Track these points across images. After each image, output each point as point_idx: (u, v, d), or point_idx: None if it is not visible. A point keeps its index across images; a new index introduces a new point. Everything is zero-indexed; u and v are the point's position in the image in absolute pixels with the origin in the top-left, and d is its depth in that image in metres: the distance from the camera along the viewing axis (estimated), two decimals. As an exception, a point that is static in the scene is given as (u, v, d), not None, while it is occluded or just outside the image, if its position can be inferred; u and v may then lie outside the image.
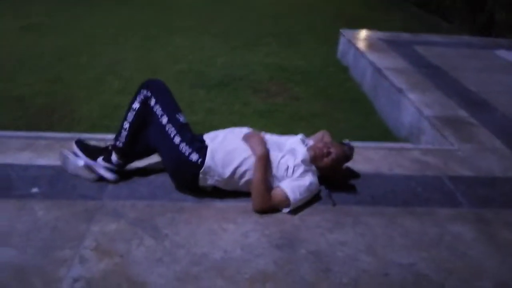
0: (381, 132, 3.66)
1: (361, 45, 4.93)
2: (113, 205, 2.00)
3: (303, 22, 7.30)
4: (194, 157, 2.00)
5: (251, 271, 1.68)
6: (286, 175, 2.01)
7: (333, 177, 2.20)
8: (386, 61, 4.36)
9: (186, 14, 7.52)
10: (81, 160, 2.13)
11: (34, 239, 1.76)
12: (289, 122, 3.75)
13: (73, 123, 3.53)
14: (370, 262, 1.77)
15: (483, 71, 4.35)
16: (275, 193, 1.98)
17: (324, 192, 2.15)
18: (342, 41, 5.44)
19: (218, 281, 1.62)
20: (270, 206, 1.98)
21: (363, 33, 5.44)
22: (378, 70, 4.14)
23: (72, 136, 2.56)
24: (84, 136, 2.55)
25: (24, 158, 2.31)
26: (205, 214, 1.98)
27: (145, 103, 2.06)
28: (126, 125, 2.08)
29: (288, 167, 2.01)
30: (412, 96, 3.50)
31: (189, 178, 2.04)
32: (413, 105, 3.38)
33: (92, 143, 2.28)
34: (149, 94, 2.05)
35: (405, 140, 3.38)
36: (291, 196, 1.96)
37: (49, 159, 2.30)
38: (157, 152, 2.12)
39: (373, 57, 4.47)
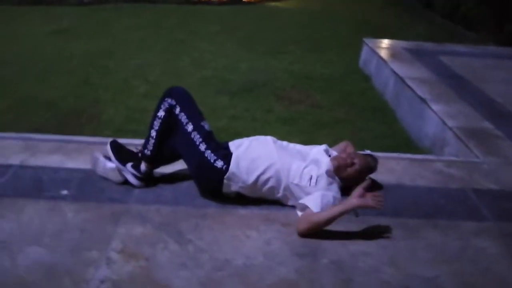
0: (404, 141, 3.64)
1: (384, 54, 4.91)
2: (139, 209, 2.05)
3: (326, 30, 7.31)
4: (219, 163, 2.04)
5: (273, 278, 1.71)
6: (309, 184, 2.02)
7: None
8: (410, 71, 4.33)
9: (211, 20, 7.62)
10: (112, 163, 2.19)
11: (64, 240, 1.82)
12: (312, 129, 3.77)
13: (101, 126, 3.62)
14: (392, 274, 1.77)
15: (510, 82, 4.28)
16: (309, 216, 1.95)
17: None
18: (365, 49, 5.43)
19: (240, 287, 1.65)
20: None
21: (386, 42, 5.42)
22: (401, 79, 4.12)
23: (100, 140, 2.64)
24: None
25: (54, 160, 2.39)
26: (228, 220, 2.02)
27: (170, 111, 2.10)
28: (153, 133, 2.13)
29: (311, 176, 2.03)
30: (436, 106, 3.47)
31: (213, 184, 2.09)
32: (437, 115, 3.35)
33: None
34: (173, 102, 2.10)
35: (428, 150, 3.36)
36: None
37: (79, 162, 2.38)
38: (183, 158, 2.17)
39: (396, 66, 4.45)
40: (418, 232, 2.03)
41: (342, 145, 2.41)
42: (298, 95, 4.50)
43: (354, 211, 2.08)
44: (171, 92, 2.14)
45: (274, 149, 2.10)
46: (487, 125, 3.23)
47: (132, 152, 2.25)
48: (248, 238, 1.91)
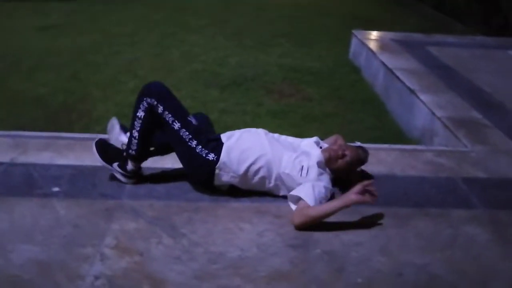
0: (394, 133, 3.67)
1: (374, 46, 4.93)
2: (131, 204, 2.05)
3: (316, 23, 7.31)
4: (211, 156, 2.05)
5: (267, 269, 1.72)
6: (301, 175, 2.04)
7: (347, 180, 2.23)
8: (399, 62, 4.36)
9: (200, 13, 7.58)
10: (125, 137, 2.21)
11: (57, 236, 1.82)
12: (302, 123, 3.79)
13: (91, 122, 3.60)
14: (384, 263, 1.80)
15: (497, 72, 4.32)
16: (305, 209, 1.96)
17: (337, 195, 2.18)
18: (354, 42, 5.45)
19: (235, 279, 1.66)
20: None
21: (376, 34, 5.44)
22: (390, 71, 4.15)
23: (91, 137, 2.62)
24: (101, 137, 2.62)
25: (45, 157, 2.38)
26: (221, 213, 2.03)
27: (150, 110, 2.04)
28: (135, 133, 2.09)
29: (302, 167, 2.05)
30: (424, 97, 3.51)
31: (205, 176, 2.09)
32: (425, 106, 3.38)
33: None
34: (154, 102, 2.02)
35: (418, 141, 3.39)
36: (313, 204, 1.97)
37: (69, 159, 2.37)
38: (175, 152, 2.17)
39: (385, 58, 4.47)
40: (409, 221, 2.06)
41: (332, 138, 2.43)
42: (288, 89, 4.51)
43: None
44: (149, 91, 2.05)
45: (266, 140, 2.12)
46: (476, 114, 3.27)
47: (118, 150, 2.23)
48: (241, 231, 1.92)
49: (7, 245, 1.76)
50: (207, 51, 5.56)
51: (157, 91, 2.07)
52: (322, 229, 1.95)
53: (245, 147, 2.07)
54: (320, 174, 2.08)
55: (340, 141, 2.36)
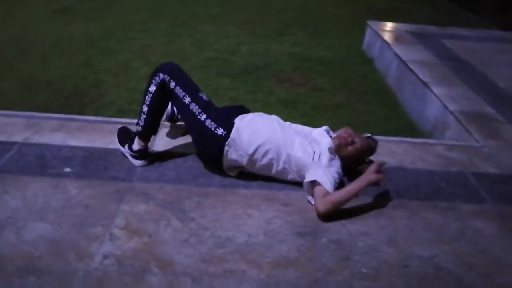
0: (405, 125, 3.64)
1: (387, 37, 4.88)
2: (142, 187, 2.07)
3: (329, 13, 7.24)
4: (219, 131, 2.08)
5: (274, 256, 1.74)
6: (313, 159, 2.05)
7: (357, 169, 2.23)
8: (412, 54, 4.32)
9: (212, 2, 7.54)
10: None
11: (68, 216, 1.85)
12: (313, 112, 3.78)
13: (103, 107, 3.63)
14: (391, 253, 1.80)
15: (512, 67, 4.27)
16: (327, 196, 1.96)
17: (347, 183, 2.18)
18: (368, 32, 5.40)
19: (241, 264, 1.68)
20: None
21: (390, 25, 5.39)
22: (404, 63, 4.11)
23: (103, 120, 2.65)
24: (113, 120, 2.65)
25: (57, 138, 2.41)
26: (230, 199, 2.04)
27: (163, 85, 2.10)
28: (145, 108, 2.15)
29: (315, 152, 2.06)
30: (437, 90, 3.47)
31: (215, 152, 2.11)
32: (438, 99, 3.35)
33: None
34: (166, 77, 2.10)
35: (429, 134, 3.37)
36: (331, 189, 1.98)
37: (81, 140, 2.40)
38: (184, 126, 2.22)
39: (399, 49, 4.43)
40: (418, 212, 2.06)
41: (342, 130, 2.43)
42: (299, 78, 4.49)
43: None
44: (163, 67, 2.15)
45: (278, 125, 2.14)
46: (489, 109, 3.24)
47: (131, 132, 2.29)
48: (249, 217, 1.93)
49: (19, 222, 1.79)
50: (219, 39, 5.55)
51: (171, 68, 2.16)
52: (330, 217, 1.95)
53: (256, 129, 2.10)
54: (331, 159, 2.08)
55: (350, 131, 2.36)
